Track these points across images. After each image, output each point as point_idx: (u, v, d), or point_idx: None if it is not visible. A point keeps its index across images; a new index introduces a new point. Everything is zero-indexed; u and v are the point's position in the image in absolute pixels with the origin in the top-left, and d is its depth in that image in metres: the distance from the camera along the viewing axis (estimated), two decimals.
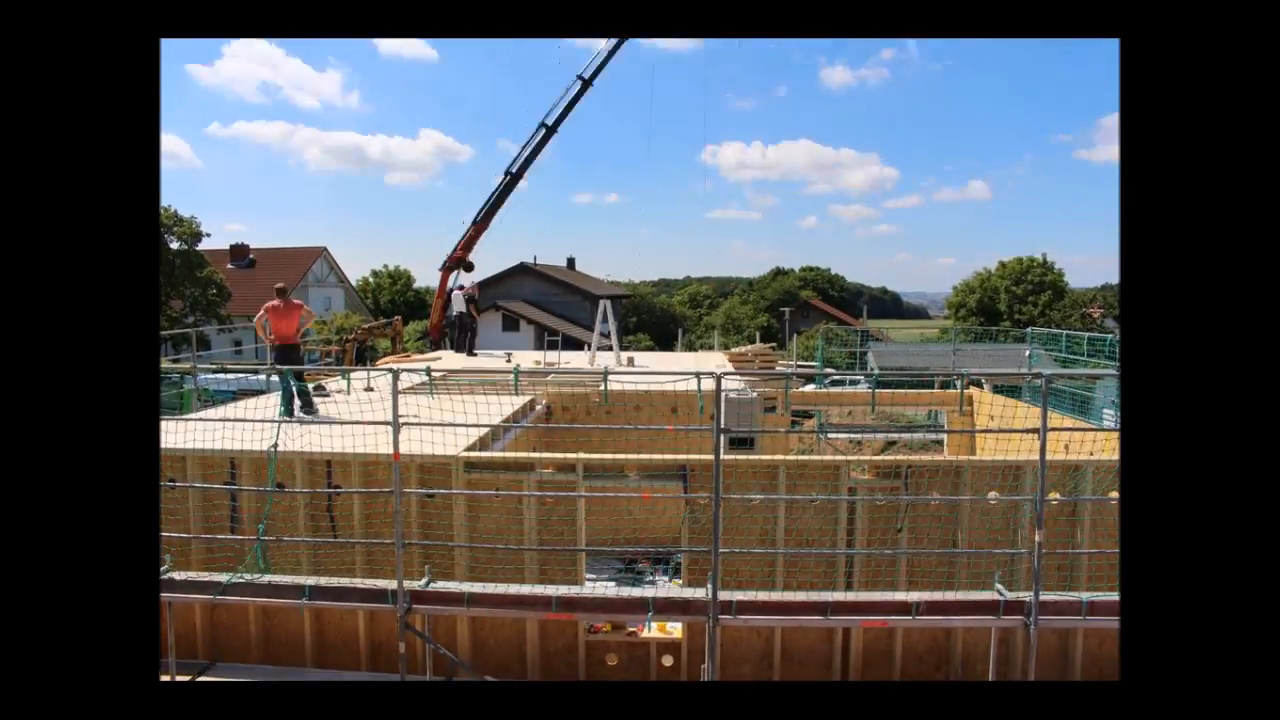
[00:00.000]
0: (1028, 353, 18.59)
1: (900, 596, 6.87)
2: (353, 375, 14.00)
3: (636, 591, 7.04)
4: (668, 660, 7.66)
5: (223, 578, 7.07)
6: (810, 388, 19.66)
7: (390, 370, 7.11)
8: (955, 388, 16.02)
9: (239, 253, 52.10)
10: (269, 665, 7.69)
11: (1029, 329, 23.39)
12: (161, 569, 6.98)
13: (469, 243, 21.70)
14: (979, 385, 16.01)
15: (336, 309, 50.73)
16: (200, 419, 9.11)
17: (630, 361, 18.10)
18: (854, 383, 24.40)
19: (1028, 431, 7.19)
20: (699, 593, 6.79)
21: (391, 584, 6.88)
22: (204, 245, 39.71)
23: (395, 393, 6.86)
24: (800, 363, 27.78)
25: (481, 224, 21.67)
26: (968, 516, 8.32)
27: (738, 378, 13.33)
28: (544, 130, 21.25)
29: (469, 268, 23.10)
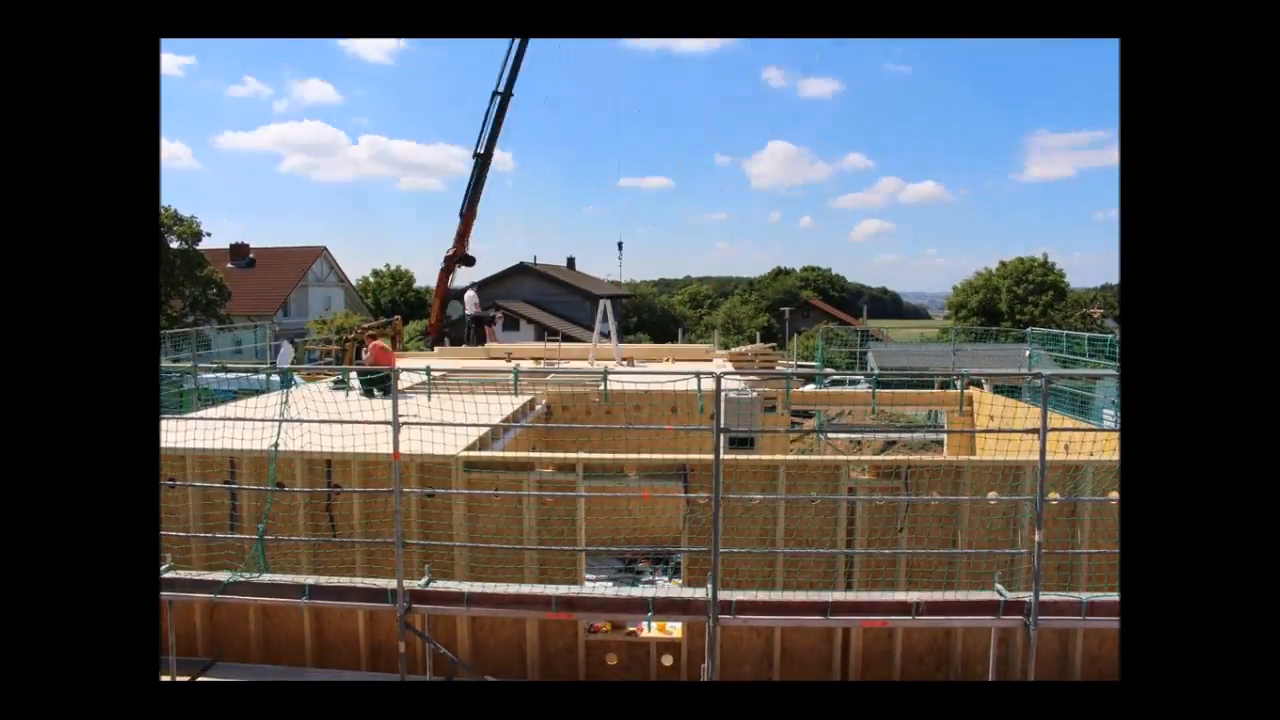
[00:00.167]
0: (1028, 353, 18.59)
1: (900, 596, 6.87)
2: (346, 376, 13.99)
3: (636, 591, 7.04)
4: (668, 660, 7.66)
5: (223, 577, 7.08)
6: (810, 388, 19.66)
7: (391, 370, 7.11)
8: (955, 388, 16.02)
9: (239, 252, 52.11)
10: (269, 665, 7.69)
11: (1029, 329, 23.39)
12: (162, 568, 6.98)
13: (461, 235, 21.63)
14: (979, 385, 16.01)
15: (336, 308, 50.74)
16: (200, 418, 9.11)
17: (629, 361, 18.14)
18: (854, 383, 24.39)
19: (1028, 432, 7.19)
20: (699, 592, 6.79)
21: (391, 584, 6.88)
22: (204, 245, 39.76)
23: (395, 393, 6.86)
24: (800, 363, 27.78)
25: (468, 214, 21.56)
26: (968, 516, 8.32)
27: (738, 378, 13.34)
28: (499, 98, 20.57)
29: (469, 261, 22.94)
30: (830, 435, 16.43)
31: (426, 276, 67.74)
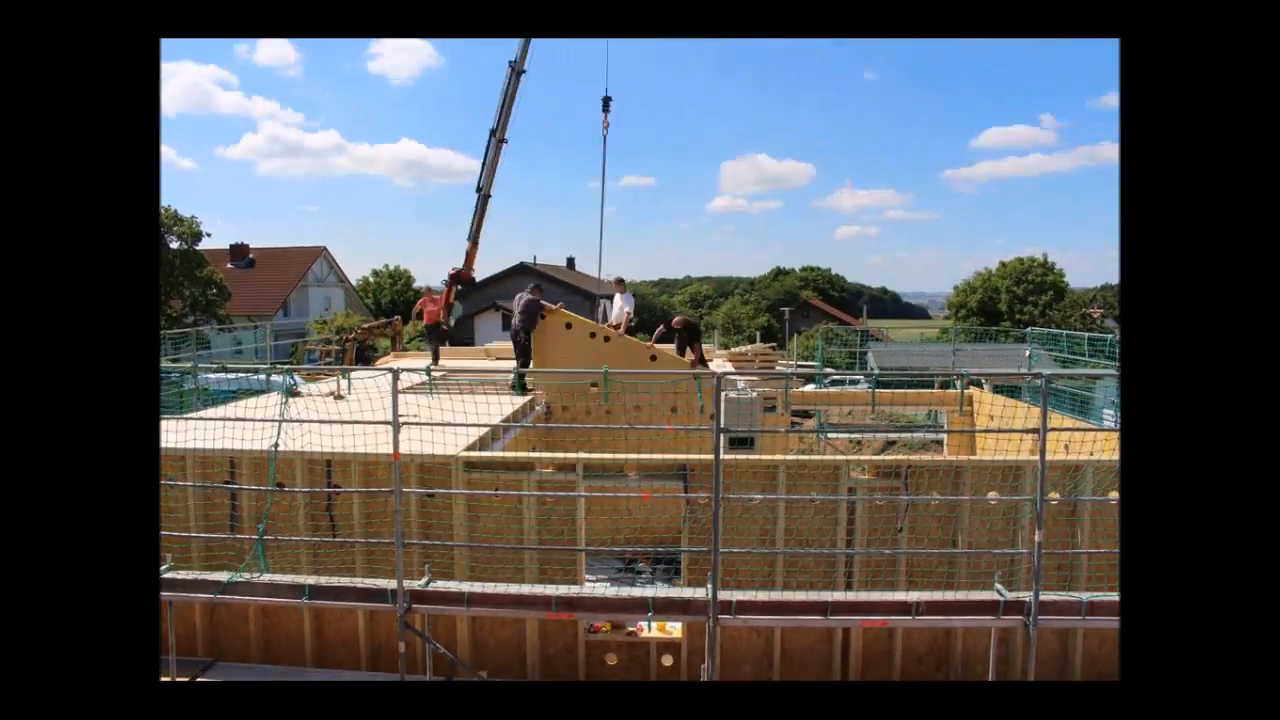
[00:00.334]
0: (1028, 353, 18.60)
1: (900, 596, 6.87)
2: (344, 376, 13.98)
3: (636, 591, 7.04)
4: (667, 660, 7.66)
5: (223, 577, 7.07)
6: (810, 388, 19.67)
7: (390, 370, 7.11)
8: (955, 388, 16.02)
9: (239, 252, 52.12)
10: (269, 665, 7.69)
11: (1029, 329, 23.39)
12: (162, 568, 6.98)
13: (468, 260, 21.92)
14: (979, 385, 16.01)
15: (336, 308, 50.74)
16: (200, 418, 9.11)
17: None
18: (854, 383, 24.40)
19: (1028, 431, 7.20)
20: (699, 592, 6.79)
21: (391, 584, 6.87)
22: (204, 245, 39.77)
23: (395, 392, 6.86)
24: (800, 363, 27.78)
25: (473, 241, 21.84)
26: (968, 516, 8.32)
27: (738, 378, 13.35)
28: (494, 139, 20.82)
29: (471, 284, 23.13)
30: (830, 435, 16.40)
31: (427, 276, 67.85)
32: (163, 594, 6.77)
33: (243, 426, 8.09)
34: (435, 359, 18.29)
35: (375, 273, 64.61)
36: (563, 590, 7.01)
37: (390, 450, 6.86)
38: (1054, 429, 6.89)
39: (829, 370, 22.31)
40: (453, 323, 21.06)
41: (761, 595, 6.86)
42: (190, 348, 18.59)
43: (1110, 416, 14.31)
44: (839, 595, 6.99)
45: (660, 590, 7.24)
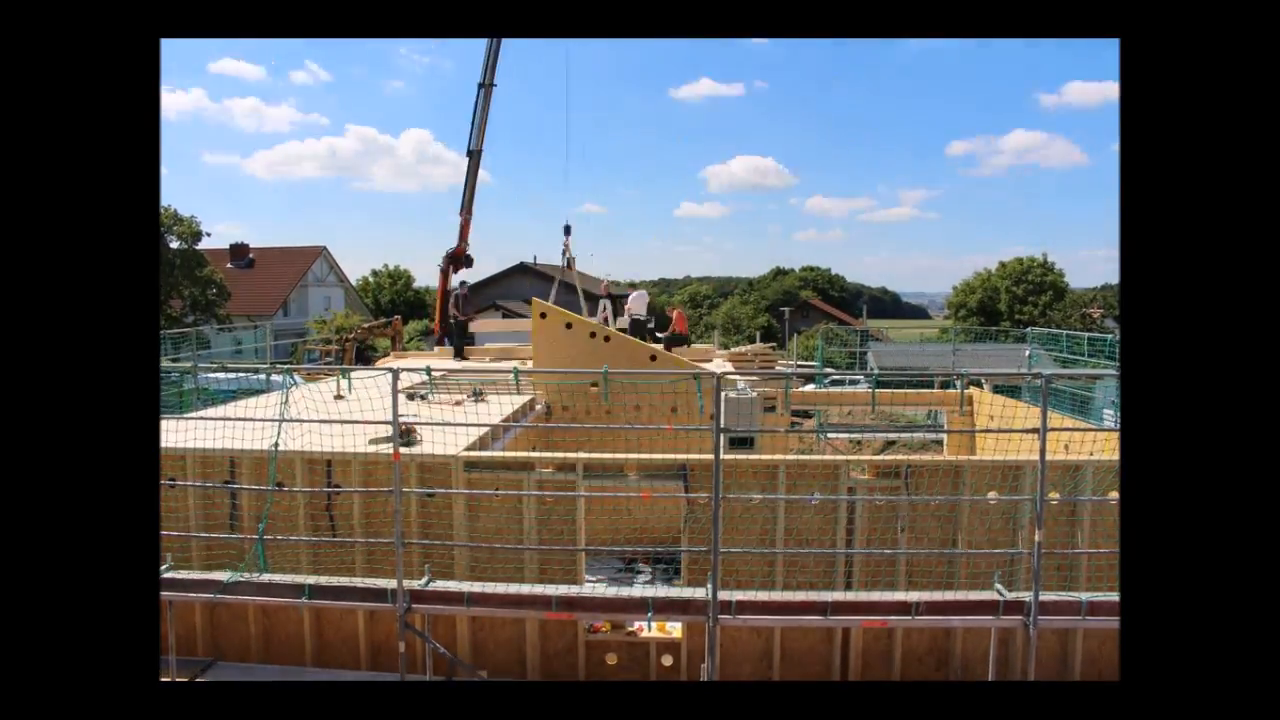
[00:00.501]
0: (1028, 353, 18.61)
1: (900, 596, 6.87)
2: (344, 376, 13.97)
3: (636, 591, 7.04)
4: (667, 660, 7.66)
5: (223, 577, 7.07)
6: (810, 388, 19.66)
7: (391, 370, 7.11)
8: (955, 388, 16.02)
9: (239, 252, 52.11)
10: (269, 665, 7.69)
11: (1029, 329, 23.40)
12: (162, 568, 6.98)
13: (462, 232, 21.54)
14: (979, 385, 16.01)
15: (336, 308, 50.72)
16: (200, 418, 9.11)
17: None
18: (854, 383, 24.40)
19: (1028, 431, 7.19)
20: (699, 592, 6.79)
21: (391, 583, 6.88)
22: (204, 245, 39.76)
23: (395, 392, 6.86)
24: (800, 363, 27.78)
25: (466, 211, 21.46)
26: (967, 516, 8.31)
27: (738, 377, 13.35)
28: (481, 90, 20.56)
29: (468, 262, 22.68)
30: (830, 435, 16.42)
31: (426, 276, 67.84)
32: (163, 594, 6.77)
33: (243, 426, 8.09)
34: (458, 354, 17.90)
35: (375, 273, 64.63)
36: (563, 590, 7.01)
37: (390, 450, 6.86)
38: (1054, 429, 6.89)
39: (829, 370, 22.31)
40: (470, 313, 20.57)
41: (761, 595, 6.86)
42: (190, 347, 18.59)
43: (1110, 416, 14.31)
44: (839, 595, 6.99)
45: (660, 590, 7.24)
